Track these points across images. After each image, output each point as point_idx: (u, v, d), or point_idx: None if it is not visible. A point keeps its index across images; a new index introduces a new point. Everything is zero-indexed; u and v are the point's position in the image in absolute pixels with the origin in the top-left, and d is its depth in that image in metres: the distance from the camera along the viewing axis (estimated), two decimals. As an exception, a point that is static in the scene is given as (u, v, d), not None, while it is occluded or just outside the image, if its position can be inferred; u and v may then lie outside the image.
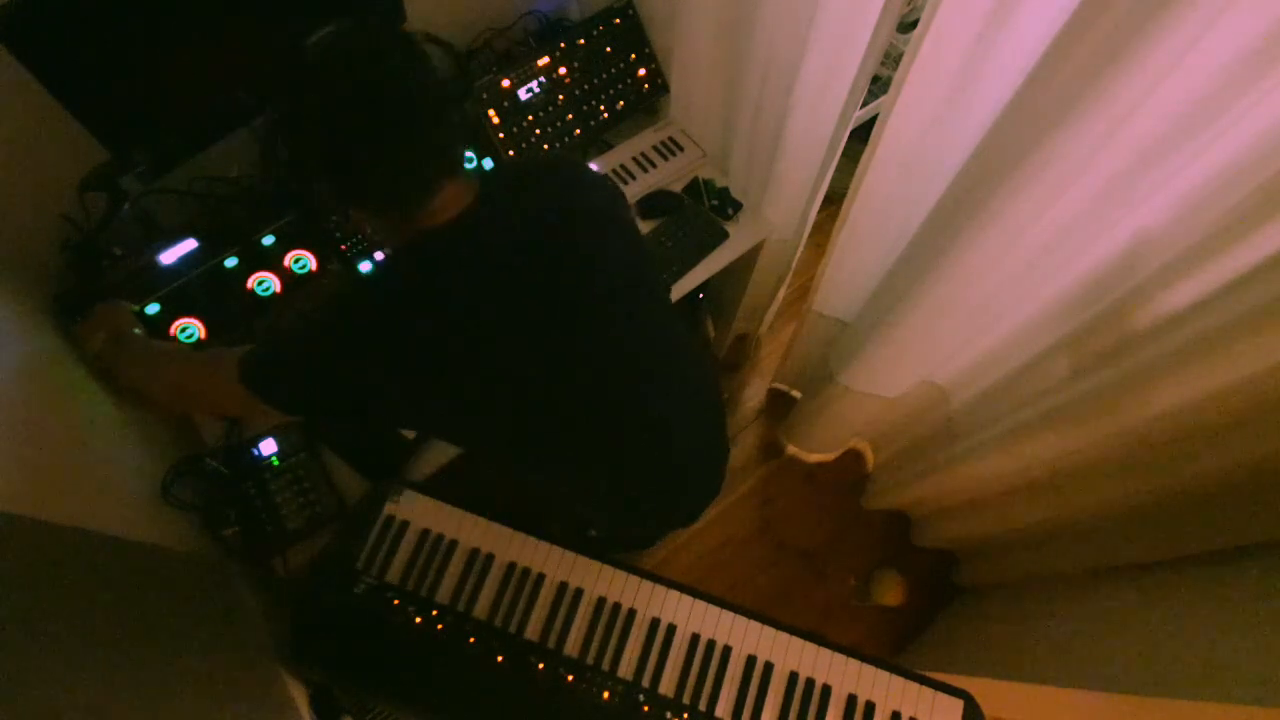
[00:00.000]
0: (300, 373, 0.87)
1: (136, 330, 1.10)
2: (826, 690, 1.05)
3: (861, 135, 1.34)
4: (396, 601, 1.04)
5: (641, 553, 1.91)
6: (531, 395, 0.90)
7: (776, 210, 1.63)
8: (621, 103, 1.51)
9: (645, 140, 1.56)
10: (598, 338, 0.93)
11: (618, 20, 1.47)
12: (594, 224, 0.94)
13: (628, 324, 0.97)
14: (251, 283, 1.22)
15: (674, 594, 1.10)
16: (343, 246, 1.30)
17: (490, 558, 1.10)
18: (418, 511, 1.12)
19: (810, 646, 1.07)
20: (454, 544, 1.10)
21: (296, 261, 1.26)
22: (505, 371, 0.87)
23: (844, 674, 1.06)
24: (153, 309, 1.15)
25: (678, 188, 1.57)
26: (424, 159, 0.81)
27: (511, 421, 0.92)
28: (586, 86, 1.47)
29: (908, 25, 1.73)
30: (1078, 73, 0.88)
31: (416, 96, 0.78)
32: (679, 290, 1.48)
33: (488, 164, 1.40)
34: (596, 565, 1.11)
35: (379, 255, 1.32)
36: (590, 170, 1.05)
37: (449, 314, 0.84)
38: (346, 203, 0.89)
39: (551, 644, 1.04)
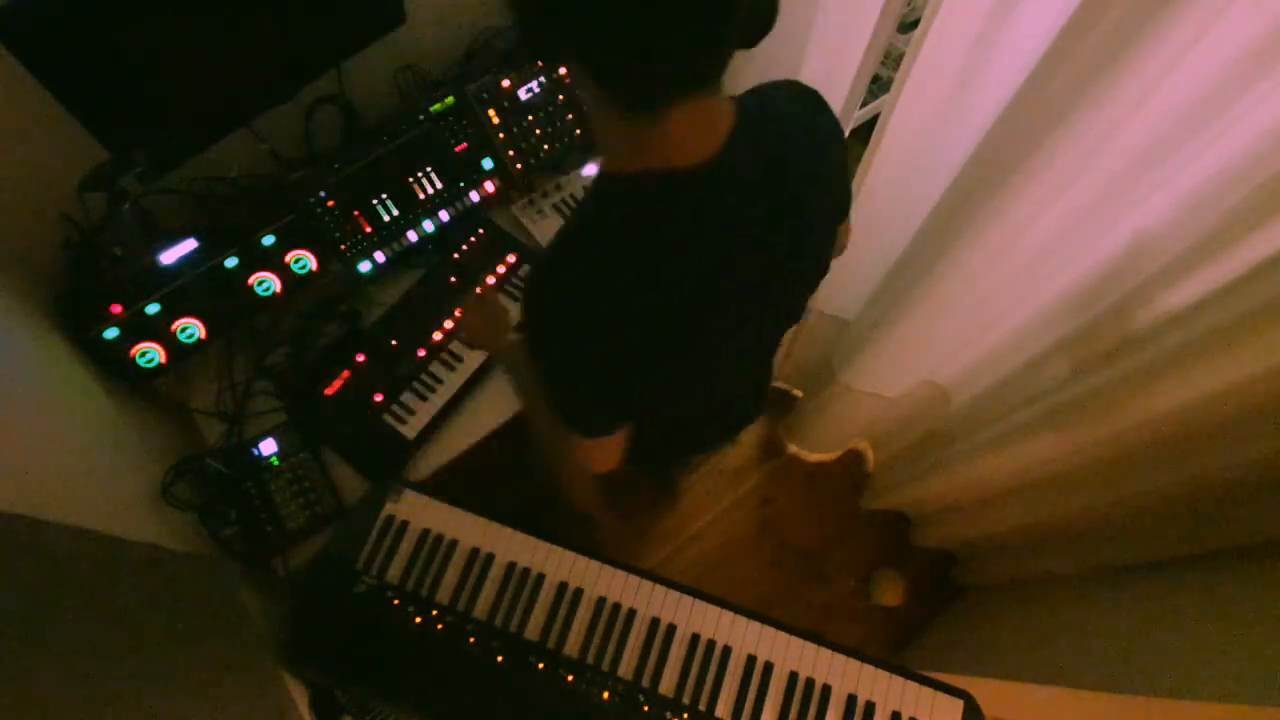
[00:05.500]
0: (598, 382, 0.78)
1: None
2: (826, 690, 1.05)
3: (862, 135, 1.34)
4: (396, 601, 1.04)
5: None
6: (719, 339, 0.84)
7: (776, 210, 1.62)
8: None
9: (645, 140, 1.56)
10: (788, 288, 0.88)
11: (618, 20, 1.47)
12: (825, 159, 0.82)
13: (810, 265, 0.89)
14: (251, 283, 1.22)
15: (674, 594, 1.10)
16: (342, 246, 1.30)
17: (490, 558, 1.10)
18: (418, 511, 1.12)
19: (810, 646, 1.07)
20: (454, 544, 1.10)
21: (296, 261, 1.26)
22: (713, 327, 0.80)
23: (844, 674, 1.06)
24: (153, 309, 1.15)
25: (678, 188, 1.57)
26: (726, 13, 0.56)
27: (697, 364, 0.86)
28: (586, 86, 1.48)
29: (908, 25, 1.73)
30: (1078, 73, 0.88)
31: None
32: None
33: (487, 164, 1.40)
34: (596, 565, 1.11)
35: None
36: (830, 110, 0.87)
37: (682, 282, 0.72)
38: (588, 59, 0.60)
39: (551, 644, 1.04)
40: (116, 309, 1.13)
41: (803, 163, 0.78)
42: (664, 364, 0.81)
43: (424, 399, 1.27)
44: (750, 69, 1.40)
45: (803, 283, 0.92)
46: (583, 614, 1.07)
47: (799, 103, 0.82)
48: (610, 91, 0.62)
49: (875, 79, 1.51)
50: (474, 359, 1.31)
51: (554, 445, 0.94)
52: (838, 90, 1.31)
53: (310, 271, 1.27)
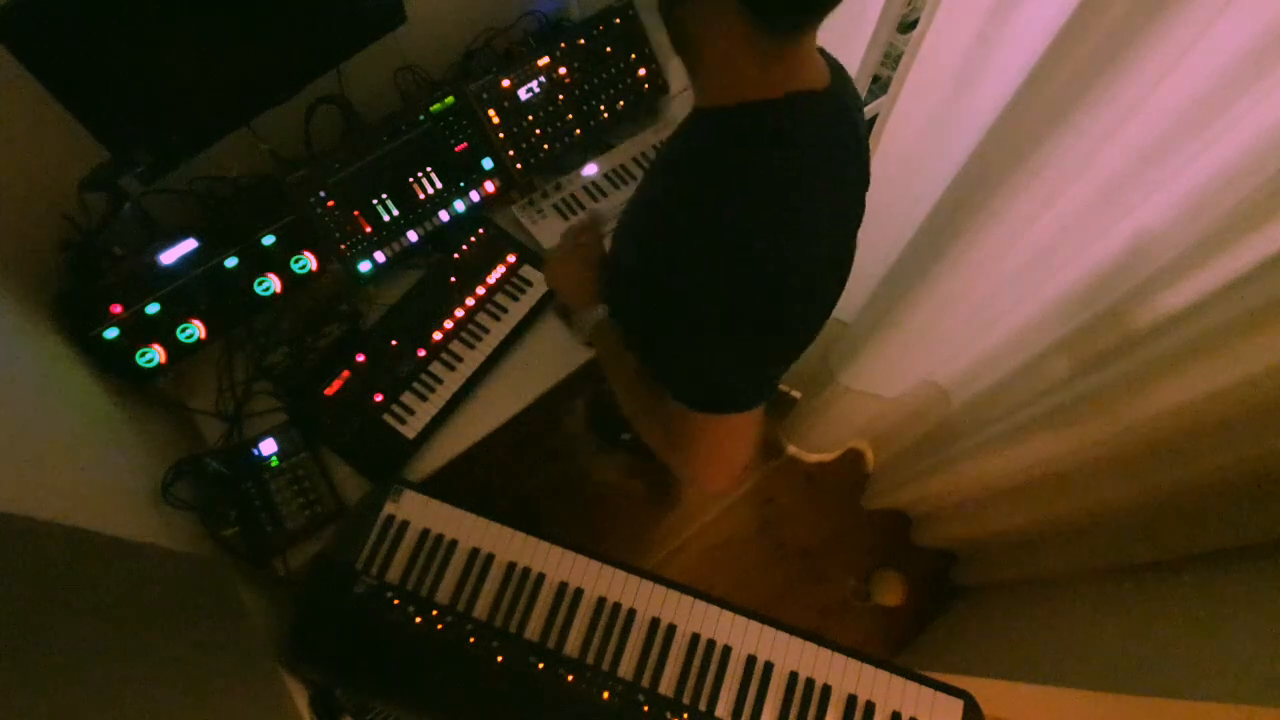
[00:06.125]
0: (757, 354, 0.71)
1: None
2: (826, 690, 1.05)
3: (861, 135, 1.34)
4: (396, 601, 1.04)
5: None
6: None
7: (776, 210, 1.62)
8: (621, 103, 1.51)
9: (645, 141, 1.55)
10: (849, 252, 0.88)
11: (618, 20, 1.47)
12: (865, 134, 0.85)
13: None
14: (251, 283, 1.22)
15: (674, 594, 1.10)
16: (342, 246, 1.30)
17: (490, 558, 1.10)
18: (418, 511, 1.12)
19: (810, 646, 1.07)
20: (454, 544, 1.10)
21: (296, 261, 1.26)
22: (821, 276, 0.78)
23: (844, 674, 1.06)
24: (153, 309, 1.15)
25: (678, 188, 1.56)
26: None
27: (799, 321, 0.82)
28: (586, 86, 1.47)
29: (908, 25, 1.73)
30: (1078, 73, 0.88)
31: None
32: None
33: (487, 164, 1.40)
34: (596, 565, 1.11)
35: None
36: None
37: (823, 204, 0.70)
38: None
39: (551, 644, 1.04)
40: (116, 309, 1.13)
41: (863, 118, 0.82)
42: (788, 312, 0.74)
43: (424, 399, 1.27)
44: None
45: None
46: (583, 614, 1.07)
47: (838, 65, 0.82)
48: (767, 11, 0.61)
49: (875, 79, 1.51)
50: (474, 359, 1.31)
51: (681, 430, 0.77)
52: (838, 90, 1.31)
53: (310, 271, 1.27)
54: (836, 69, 0.75)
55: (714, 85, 0.69)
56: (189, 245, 1.18)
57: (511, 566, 1.09)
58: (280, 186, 1.26)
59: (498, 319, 1.35)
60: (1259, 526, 1.09)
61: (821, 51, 0.76)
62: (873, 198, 1.35)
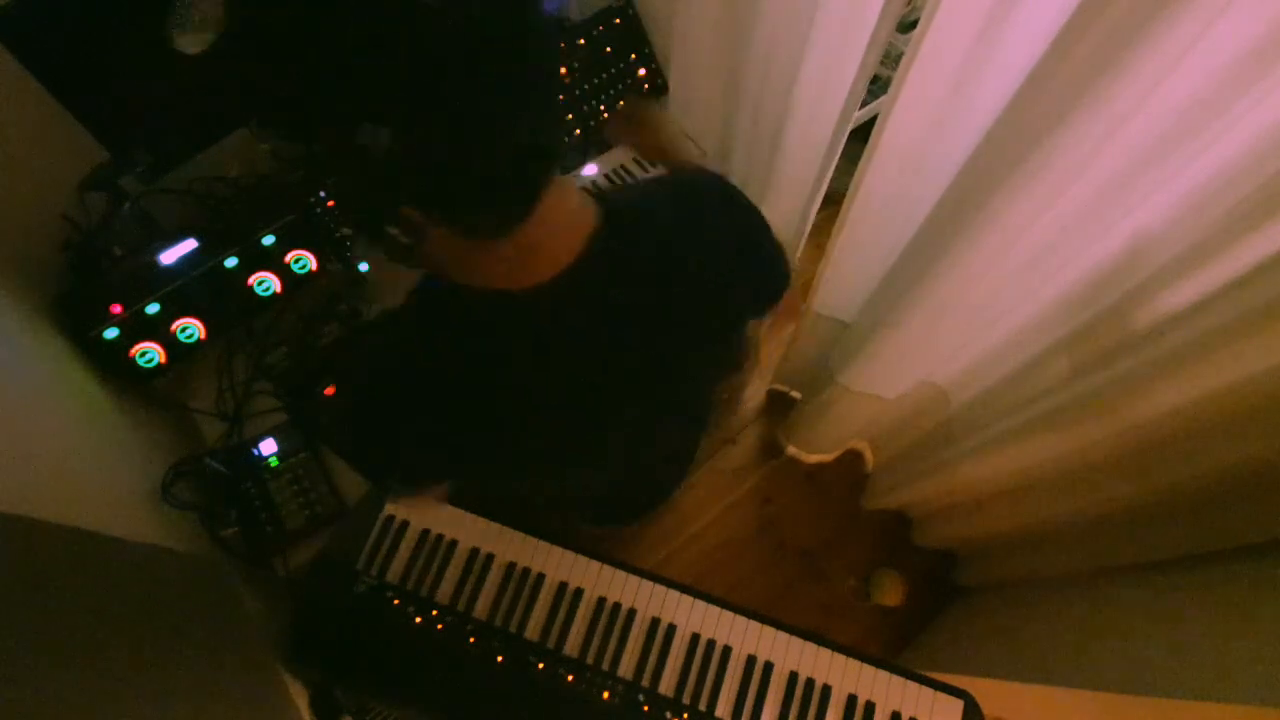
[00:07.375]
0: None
1: None
2: (826, 690, 1.04)
3: (861, 135, 1.34)
4: (396, 601, 1.04)
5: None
6: (562, 446, 0.81)
7: (776, 210, 1.62)
8: (621, 103, 1.51)
9: (645, 140, 1.56)
10: (665, 397, 0.84)
11: (618, 20, 1.47)
12: (720, 261, 0.77)
13: (700, 370, 0.87)
14: (251, 283, 1.22)
15: (674, 594, 1.10)
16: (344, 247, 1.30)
17: (490, 558, 1.10)
18: (418, 511, 1.12)
19: (810, 646, 1.07)
20: (454, 544, 1.10)
21: (296, 261, 1.26)
22: (545, 435, 0.77)
23: (844, 674, 1.06)
24: (153, 309, 1.15)
25: (678, 188, 1.56)
26: (541, 121, 0.55)
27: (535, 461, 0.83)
28: (586, 86, 1.47)
29: (908, 25, 1.73)
30: (1078, 73, 0.88)
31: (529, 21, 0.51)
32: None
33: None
34: (596, 565, 1.11)
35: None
36: (741, 198, 0.82)
37: (517, 394, 0.70)
38: (410, 190, 0.56)
39: (551, 644, 1.04)
40: (116, 309, 1.13)
41: (685, 271, 0.73)
42: (493, 454, 0.78)
43: (424, 399, 1.27)
44: (752, 71, 1.40)
45: (692, 386, 0.91)
46: (583, 614, 1.07)
47: (689, 201, 0.77)
48: (462, 225, 0.59)
49: (875, 79, 1.51)
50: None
51: None
52: (837, 90, 1.31)
53: (310, 271, 1.27)
54: (617, 231, 0.67)
55: (433, 263, 0.69)
56: (189, 245, 1.18)
57: (511, 566, 1.09)
58: (280, 186, 1.26)
59: (498, 319, 1.35)
60: (1259, 526, 1.09)
61: (636, 197, 0.75)
62: (872, 198, 1.35)
